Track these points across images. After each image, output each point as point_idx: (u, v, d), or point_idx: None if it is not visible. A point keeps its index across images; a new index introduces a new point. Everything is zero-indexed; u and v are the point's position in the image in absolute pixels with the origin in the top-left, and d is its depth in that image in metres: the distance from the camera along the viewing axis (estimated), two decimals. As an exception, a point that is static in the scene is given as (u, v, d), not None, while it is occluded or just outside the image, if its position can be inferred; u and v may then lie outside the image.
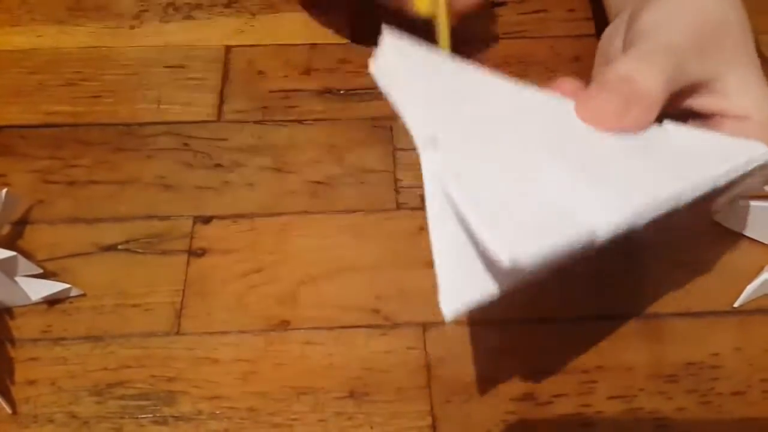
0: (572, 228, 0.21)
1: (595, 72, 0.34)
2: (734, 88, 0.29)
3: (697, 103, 0.29)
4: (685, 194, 0.24)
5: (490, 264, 0.22)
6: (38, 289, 0.32)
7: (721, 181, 0.25)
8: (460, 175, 0.23)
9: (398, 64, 0.26)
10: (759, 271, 0.33)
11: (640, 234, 0.25)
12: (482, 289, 0.22)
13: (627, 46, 0.30)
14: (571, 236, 0.21)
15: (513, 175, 0.23)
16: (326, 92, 0.40)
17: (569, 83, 0.28)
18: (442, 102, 0.26)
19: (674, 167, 0.25)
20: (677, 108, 0.29)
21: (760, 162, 0.26)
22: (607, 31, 0.34)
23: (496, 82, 0.27)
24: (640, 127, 0.27)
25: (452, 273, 0.22)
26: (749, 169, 0.26)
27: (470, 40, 0.43)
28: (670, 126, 0.27)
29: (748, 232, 0.34)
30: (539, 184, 0.23)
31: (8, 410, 0.29)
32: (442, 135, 0.24)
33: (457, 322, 0.32)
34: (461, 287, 0.22)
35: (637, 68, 0.27)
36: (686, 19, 0.29)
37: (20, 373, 0.30)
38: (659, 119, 0.27)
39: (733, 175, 0.26)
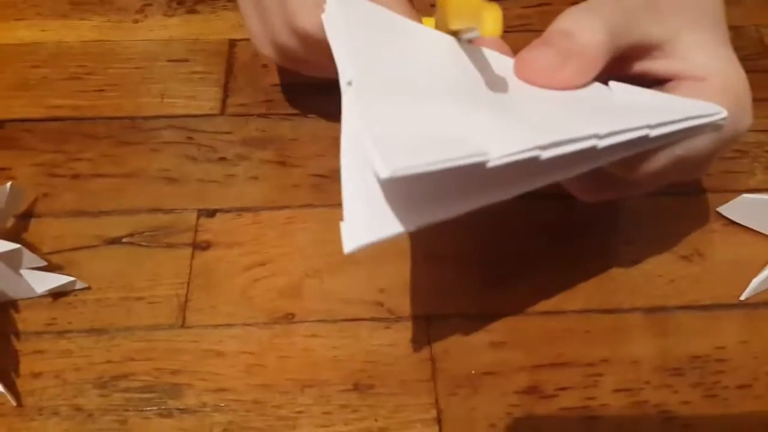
0: (460, 148, 0.20)
1: None
2: (691, 49, 0.27)
3: (652, 65, 0.28)
4: (604, 135, 0.23)
5: (393, 198, 0.22)
6: (43, 282, 0.32)
7: (654, 132, 0.24)
8: (366, 109, 0.22)
9: (340, 17, 0.27)
10: (765, 264, 0.33)
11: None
12: (387, 224, 0.22)
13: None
14: (457, 155, 0.20)
15: (419, 110, 0.23)
16: (330, 85, 0.40)
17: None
18: (374, 50, 0.26)
19: (601, 114, 0.24)
20: (631, 72, 0.28)
21: (708, 120, 0.25)
22: None
23: (438, 37, 0.27)
24: (576, 84, 0.25)
25: (358, 206, 0.22)
26: (692, 125, 0.25)
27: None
28: (617, 85, 0.26)
29: (754, 226, 0.34)
30: (444, 117, 0.23)
31: (13, 403, 0.29)
32: (361, 77, 0.24)
33: (461, 314, 0.32)
34: (366, 221, 0.21)
35: (577, 22, 0.26)
36: None
37: (25, 366, 0.30)
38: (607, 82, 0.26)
39: (667, 129, 0.24)
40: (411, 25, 0.28)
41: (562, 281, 0.33)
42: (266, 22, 0.32)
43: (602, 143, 0.23)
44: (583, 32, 0.25)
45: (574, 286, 0.33)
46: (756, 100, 0.40)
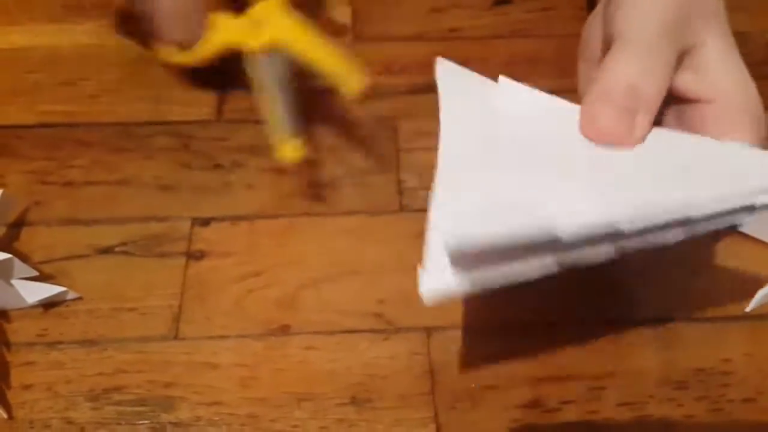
0: (529, 219, 0.21)
1: (579, 64, 0.32)
2: (711, 63, 0.27)
3: (677, 78, 0.27)
4: (693, 210, 0.23)
5: (468, 258, 0.22)
6: (34, 292, 0.31)
7: (760, 200, 0.23)
8: (447, 181, 0.24)
9: (448, 87, 0.28)
10: (770, 275, 0.32)
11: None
12: (462, 281, 0.22)
13: (611, 27, 0.27)
14: (525, 227, 0.21)
15: (496, 179, 0.24)
16: (328, 92, 0.39)
17: None
18: (468, 117, 0.27)
19: (685, 180, 0.24)
20: None
21: None
22: (590, 17, 0.31)
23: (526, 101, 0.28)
24: (642, 140, 0.26)
25: (437, 258, 0.22)
26: None
27: (477, 39, 0.42)
28: (675, 134, 0.26)
29: (760, 237, 0.34)
30: (521, 185, 0.24)
31: (4, 415, 0.29)
32: (451, 144, 0.25)
33: (462, 326, 0.31)
34: (445, 274, 0.22)
35: (640, 73, 0.25)
36: None
37: (16, 378, 0.30)
38: None
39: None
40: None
41: (565, 292, 0.32)
42: None
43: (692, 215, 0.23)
44: (649, 83, 0.25)
45: (577, 297, 0.32)
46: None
